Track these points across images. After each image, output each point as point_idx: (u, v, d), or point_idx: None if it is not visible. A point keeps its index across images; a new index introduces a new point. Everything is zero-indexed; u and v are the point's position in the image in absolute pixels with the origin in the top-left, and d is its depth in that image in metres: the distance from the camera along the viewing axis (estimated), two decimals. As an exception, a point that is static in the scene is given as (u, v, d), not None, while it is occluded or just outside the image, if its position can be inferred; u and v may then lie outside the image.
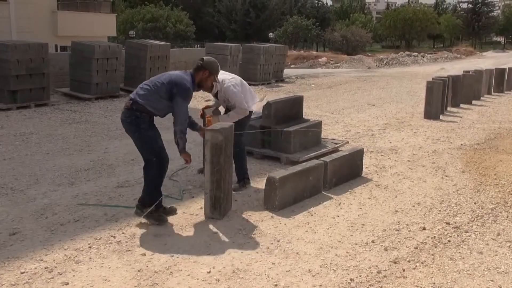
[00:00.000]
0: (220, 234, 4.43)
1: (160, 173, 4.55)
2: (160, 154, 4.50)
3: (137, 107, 4.41)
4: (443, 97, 11.30)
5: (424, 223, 4.78)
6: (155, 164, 4.49)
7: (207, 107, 5.56)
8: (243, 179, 5.71)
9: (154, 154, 4.48)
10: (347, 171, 6.07)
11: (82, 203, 5.20)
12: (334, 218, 4.88)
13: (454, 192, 5.76)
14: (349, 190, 5.74)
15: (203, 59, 4.69)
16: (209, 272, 3.73)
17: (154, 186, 4.57)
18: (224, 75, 5.36)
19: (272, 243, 4.26)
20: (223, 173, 4.67)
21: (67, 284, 3.54)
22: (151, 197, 4.56)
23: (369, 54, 40.98)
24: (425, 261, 3.98)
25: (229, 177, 4.90)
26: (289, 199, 5.13)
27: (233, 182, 5.29)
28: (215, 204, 4.72)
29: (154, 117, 4.58)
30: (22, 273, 3.69)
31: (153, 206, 4.52)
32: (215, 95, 5.55)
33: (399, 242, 4.33)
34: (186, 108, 4.48)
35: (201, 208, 5.05)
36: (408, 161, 7.15)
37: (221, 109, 5.72)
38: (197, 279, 3.63)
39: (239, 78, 5.64)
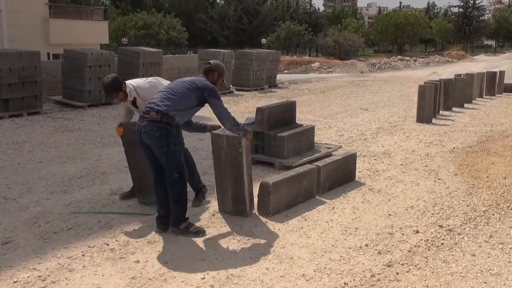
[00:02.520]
0: (214, 240, 4.42)
1: (184, 188, 4.47)
2: (183, 170, 4.43)
3: (167, 120, 4.28)
4: (435, 101, 11.37)
5: (417, 226, 4.80)
6: (178, 181, 4.39)
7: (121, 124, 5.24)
8: (200, 190, 5.45)
9: (176, 170, 4.37)
10: (341, 176, 6.09)
11: (76, 211, 5.18)
12: (327, 222, 4.89)
13: (446, 195, 5.79)
14: (343, 194, 5.76)
15: (210, 62, 4.73)
16: (203, 278, 3.72)
17: (182, 201, 4.47)
18: (137, 80, 5.11)
19: (266, 248, 4.26)
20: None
21: (60, 292, 3.52)
22: (181, 213, 4.49)
23: (362, 59, 41.25)
24: (418, 264, 3.99)
25: None
26: (282, 204, 5.14)
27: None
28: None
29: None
30: (15, 282, 3.67)
31: (186, 223, 4.53)
32: (133, 103, 5.08)
33: (393, 245, 4.35)
34: (223, 106, 4.49)
35: (194, 214, 5.06)
36: (401, 164, 7.18)
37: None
38: (191, 285, 3.63)
39: (158, 78, 5.28)
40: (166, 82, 5.13)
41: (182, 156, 4.50)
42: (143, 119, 4.36)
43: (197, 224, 4.78)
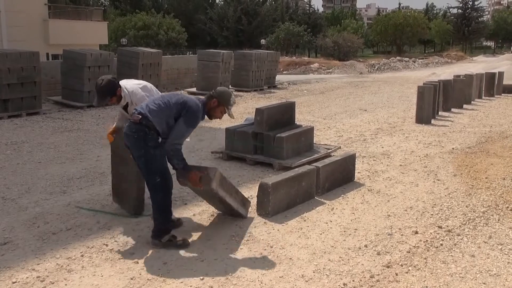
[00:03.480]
0: (213, 241, 4.42)
1: (167, 195, 4.29)
2: (165, 174, 4.23)
3: (147, 123, 4.12)
4: (434, 102, 11.38)
5: (416, 227, 4.80)
6: (160, 186, 4.21)
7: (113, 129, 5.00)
8: None
9: (158, 174, 4.19)
10: (340, 176, 6.09)
11: (79, 206, 5.17)
12: (327, 223, 4.89)
13: (446, 195, 5.80)
14: (342, 195, 5.76)
15: (216, 89, 4.40)
16: (202, 279, 3.72)
17: (165, 210, 4.29)
18: (131, 84, 4.80)
19: (265, 249, 4.26)
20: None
21: (59, 293, 3.52)
22: (165, 223, 4.30)
23: (361, 60, 41.26)
24: (417, 265, 3.99)
25: None
26: (282, 204, 5.14)
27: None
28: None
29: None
30: (13, 282, 3.66)
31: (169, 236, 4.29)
32: (125, 108, 4.85)
33: (392, 246, 4.35)
34: (184, 133, 4.17)
35: (193, 214, 5.05)
36: (400, 165, 7.18)
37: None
38: (190, 286, 3.62)
39: (151, 85, 4.97)
40: (155, 90, 4.93)
41: (164, 161, 4.24)
42: (127, 121, 4.32)
43: (196, 224, 4.78)
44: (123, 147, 4.49)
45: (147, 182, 4.34)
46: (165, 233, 4.28)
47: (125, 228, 4.71)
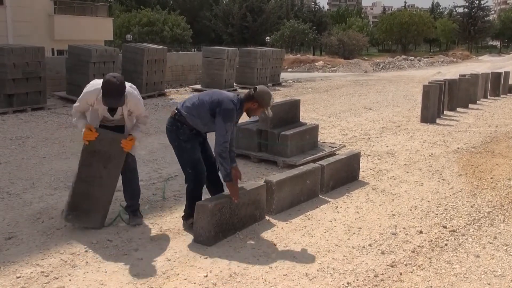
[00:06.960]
0: (217, 238, 4.42)
1: (196, 186, 4.55)
2: (196, 166, 4.48)
3: (179, 117, 4.43)
4: (440, 101, 11.33)
5: (421, 226, 4.78)
6: (191, 177, 4.51)
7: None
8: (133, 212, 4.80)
9: (189, 165, 4.48)
10: (344, 175, 6.07)
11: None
12: (331, 221, 4.88)
13: (450, 195, 5.77)
14: (346, 194, 5.74)
15: (256, 88, 4.45)
16: (206, 276, 3.72)
17: (193, 198, 4.51)
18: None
19: (269, 247, 4.25)
20: None
21: (63, 288, 3.52)
22: (190, 208, 4.51)
23: (366, 58, 41.16)
24: (422, 264, 3.98)
25: None
26: (286, 202, 5.13)
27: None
28: None
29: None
30: (18, 277, 3.67)
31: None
32: (110, 111, 4.49)
33: (396, 245, 4.33)
34: (227, 130, 4.24)
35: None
36: (405, 164, 7.16)
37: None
38: (194, 283, 3.62)
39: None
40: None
41: (197, 153, 4.51)
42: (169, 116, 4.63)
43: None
44: (99, 147, 4.45)
45: (183, 172, 4.61)
46: (190, 217, 4.53)
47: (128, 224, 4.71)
